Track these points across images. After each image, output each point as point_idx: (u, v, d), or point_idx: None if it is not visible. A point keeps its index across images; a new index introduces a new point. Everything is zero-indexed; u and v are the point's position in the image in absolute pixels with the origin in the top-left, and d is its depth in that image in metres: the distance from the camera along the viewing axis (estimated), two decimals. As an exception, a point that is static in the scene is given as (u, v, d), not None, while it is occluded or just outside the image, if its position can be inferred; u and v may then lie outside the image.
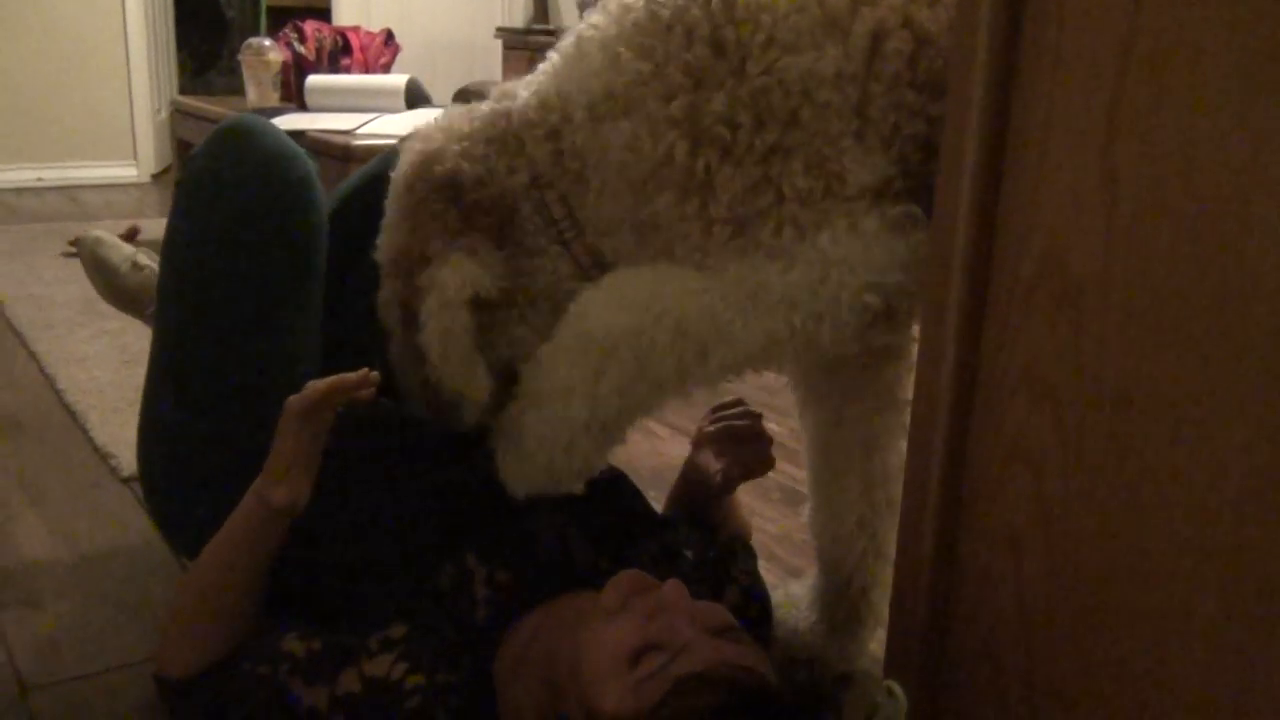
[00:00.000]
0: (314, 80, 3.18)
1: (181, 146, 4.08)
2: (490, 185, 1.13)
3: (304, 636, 1.07)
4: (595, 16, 1.11)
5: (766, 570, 1.55)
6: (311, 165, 1.41)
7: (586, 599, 1.10)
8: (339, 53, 3.45)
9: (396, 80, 3.13)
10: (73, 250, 3.44)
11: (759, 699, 0.93)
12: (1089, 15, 0.69)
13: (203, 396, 1.34)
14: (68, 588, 1.55)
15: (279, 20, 4.20)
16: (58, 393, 2.29)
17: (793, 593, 1.48)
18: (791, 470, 1.47)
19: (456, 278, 1.08)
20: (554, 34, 4.75)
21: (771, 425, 1.40)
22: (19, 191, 4.60)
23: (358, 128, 2.80)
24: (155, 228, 1.47)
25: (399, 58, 3.71)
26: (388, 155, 1.48)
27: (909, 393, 1.27)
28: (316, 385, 1.12)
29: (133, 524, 1.73)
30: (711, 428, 1.41)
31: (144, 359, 1.44)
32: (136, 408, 1.45)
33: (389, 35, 3.67)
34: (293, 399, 1.12)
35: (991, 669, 0.83)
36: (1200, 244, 0.64)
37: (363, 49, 3.51)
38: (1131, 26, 0.66)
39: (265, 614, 1.18)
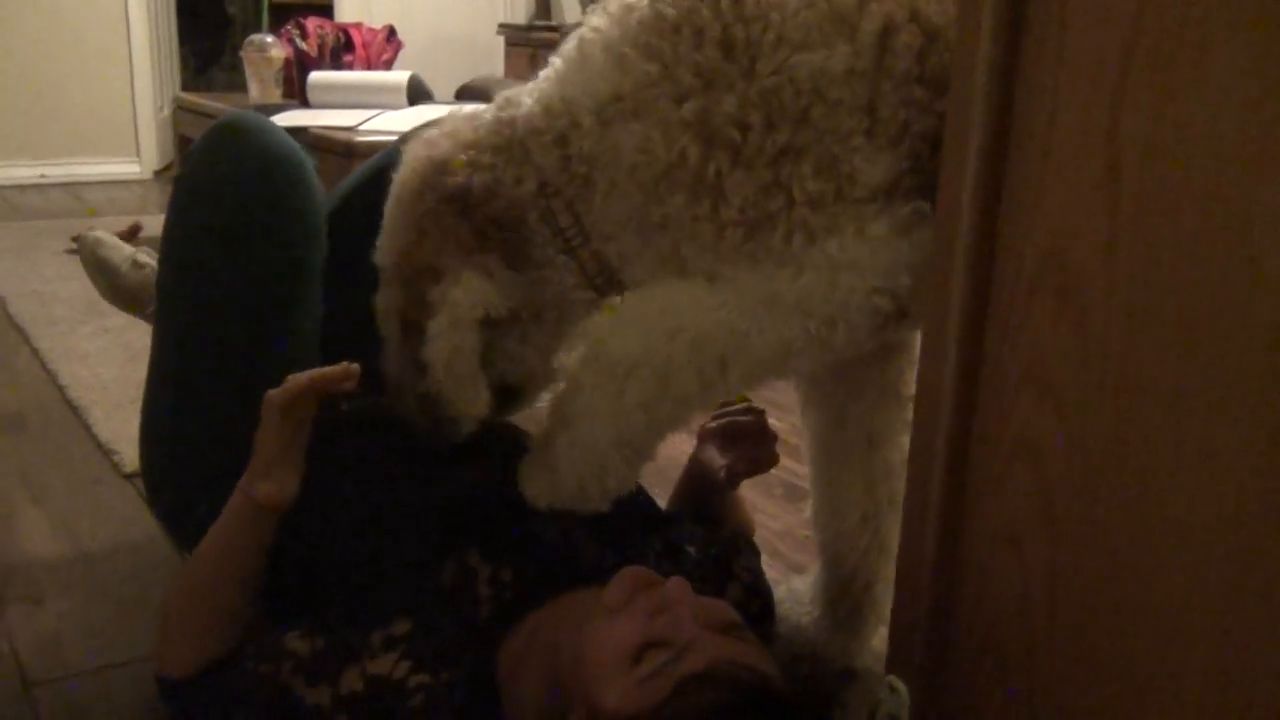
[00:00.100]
0: (316, 77, 3.18)
1: (184, 143, 4.08)
2: (500, 197, 1.12)
3: (306, 635, 1.07)
4: (595, 19, 1.10)
5: (769, 566, 1.55)
6: (309, 161, 1.41)
7: (589, 596, 1.10)
8: (341, 49, 3.45)
9: (398, 77, 3.13)
10: (75, 247, 3.44)
11: (763, 697, 0.93)
12: (1092, 12, 0.69)
13: (203, 394, 1.35)
14: (70, 584, 1.56)
15: (281, 17, 4.21)
16: (60, 389, 2.29)
17: (795, 589, 1.48)
18: (794, 466, 1.47)
19: (469, 297, 1.09)
20: (556, 30, 4.75)
21: (773, 421, 1.40)
22: (22, 188, 4.60)
23: (360, 124, 2.80)
24: (158, 224, 1.47)
25: (401, 54, 3.70)
26: (390, 151, 1.48)
27: (911, 388, 1.27)
28: (296, 379, 1.12)
29: (135, 520, 1.74)
30: (715, 424, 1.41)
31: (146, 356, 1.45)
32: (138, 404, 1.45)
33: (391, 31, 3.67)
34: (272, 393, 1.12)
35: (994, 665, 0.83)
36: (1204, 240, 0.64)
37: (365, 45, 3.51)
38: (1135, 23, 0.66)
39: (267, 612, 1.19)
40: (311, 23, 3.46)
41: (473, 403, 1.14)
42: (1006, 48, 0.74)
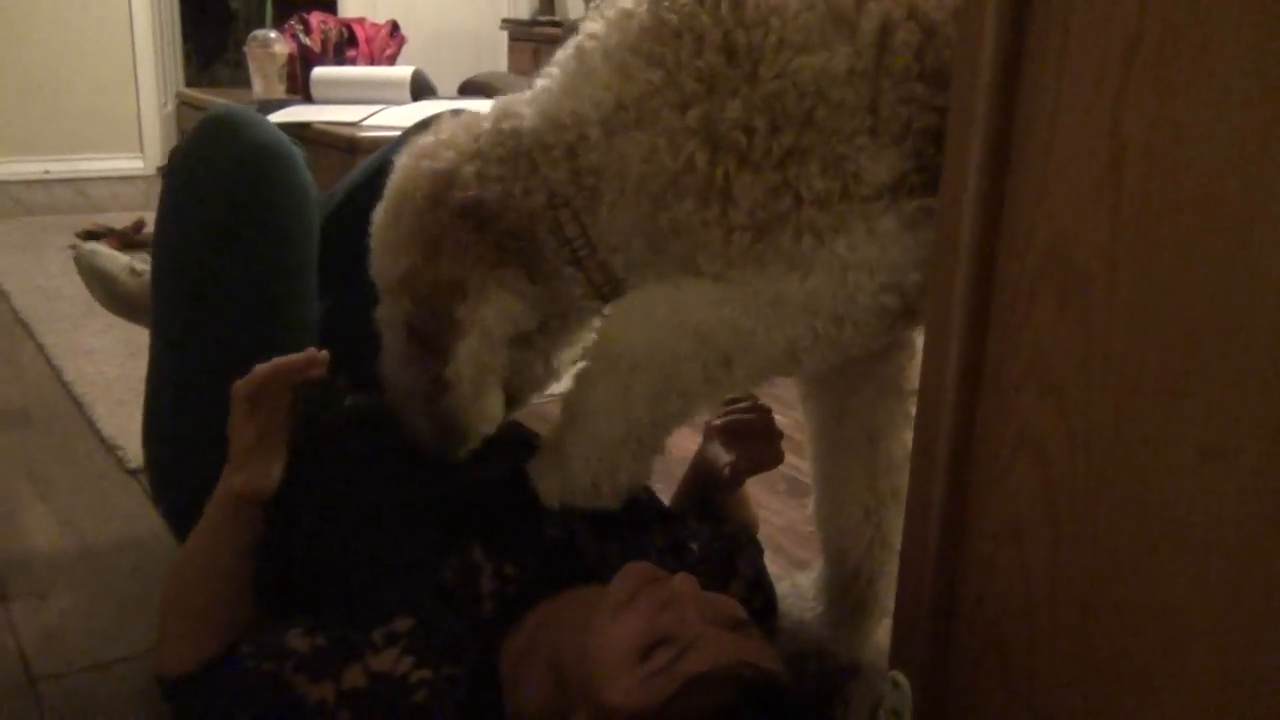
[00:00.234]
0: (319, 72, 3.18)
1: (187, 139, 4.08)
2: (512, 210, 1.12)
3: (308, 632, 1.07)
4: (592, 25, 1.10)
5: (772, 562, 1.55)
6: (299, 154, 1.40)
7: (593, 592, 1.10)
8: (344, 45, 3.45)
9: (402, 72, 3.13)
10: (80, 242, 3.46)
11: (768, 693, 0.93)
12: (1094, 11, 0.69)
13: (201, 391, 1.35)
14: (75, 579, 1.56)
15: (284, 12, 4.20)
16: (65, 385, 2.29)
17: (798, 584, 1.48)
18: (797, 462, 1.47)
19: (500, 315, 1.09)
20: (559, 25, 4.74)
21: (778, 417, 1.41)
22: (27, 184, 4.61)
23: (363, 120, 2.80)
24: (161, 220, 1.47)
25: (404, 49, 3.70)
26: (392, 148, 1.48)
27: (912, 382, 1.27)
28: (260, 368, 1.12)
29: (139, 516, 1.74)
30: (721, 421, 1.41)
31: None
32: (142, 400, 1.46)
33: (394, 27, 3.66)
34: (238, 384, 1.12)
35: (997, 660, 0.83)
36: (1205, 238, 0.64)
37: (368, 41, 3.51)
38: (1137, 22, 0.66)
39: (269, 610, 1.19)
40: (315, 18, 3.46)
41: (490, 418, 1.15)
42: (1009, 46, 0.74)
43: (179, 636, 1.11)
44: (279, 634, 1.08)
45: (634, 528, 1.25)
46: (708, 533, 1.29)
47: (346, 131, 2.70)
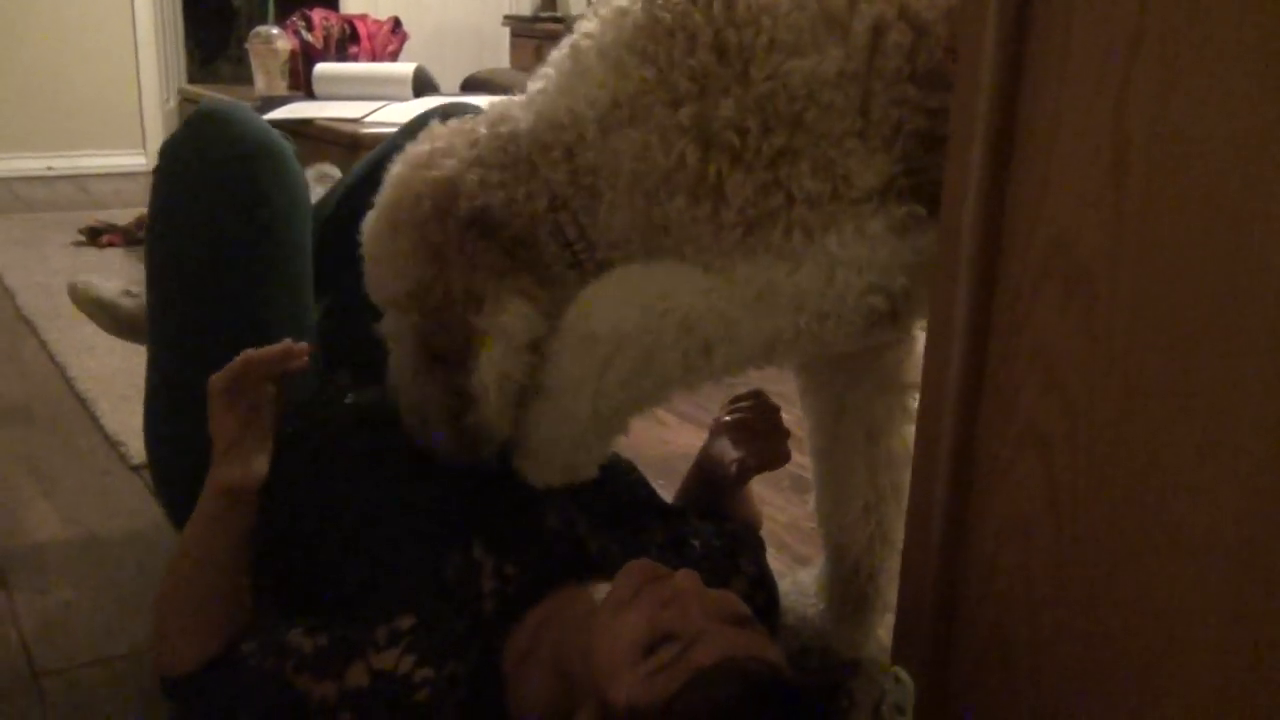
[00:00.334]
0: (322, 68, 3.18)
1: (190, 135, 4.07)
2: (516, 215, 1.12)
3: (310, 630, 1.07)
4: (587, 24, 1.09)
5: (776, 559, 1.55)
6: (288, 147, 1.40)
7: (596, 589, 1.10)
8: (346, 41, 3.45)
9: (404, 68, 3.13)
10: (83, 239, 3.46)
11: (772, 688, 0.93)
12: (1098, 5, 0.69)
13: (197, 388, 1.34)
14: (78, 574, 1.56)
15: (287, 8, 4.20)
16: (68, 381, 2.30)
17: (800, 581, 1.48)
18: (800, 459, 1.47)
19: (518, 323, 1.08)
20: (561, 21, 4.74)
21: (783, 415, 1.40)
22: (29, 180, 4.61)
23: (365, 116, 2.80)
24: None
25: (406, 46, 3.70)
26: (392, 144, 1.47)
27: (911, 377, 1.27)
28: (233, 362, 1.11)
29: (143, 511, 1.74)
30: (730, 418, 1.41)
31: (152, 349, 1.45)
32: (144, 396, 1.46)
33: (396, 23, 3.66)
34: (213, 377, 1.12)
35: (999, 657, 0.83)
36: (1209, 231, 0.64)
37: (370, 37, 3.51)
38: (1140, 17, 0.66)
39: (271, 608, 1.18)
40: (317, 14, 3.46)
41: (510, 421, 1.15)
42: (1012, 41, 0.74)
43: (178, 635, 1.11)
44: (281, 632, 1.08)
45: (635, 525, 1.25)
46: (709, 530, 1.29)
47: (348, 128, 2.70)
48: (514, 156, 1.12)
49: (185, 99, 4.25)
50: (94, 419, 2.10)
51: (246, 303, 1.36)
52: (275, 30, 3.41)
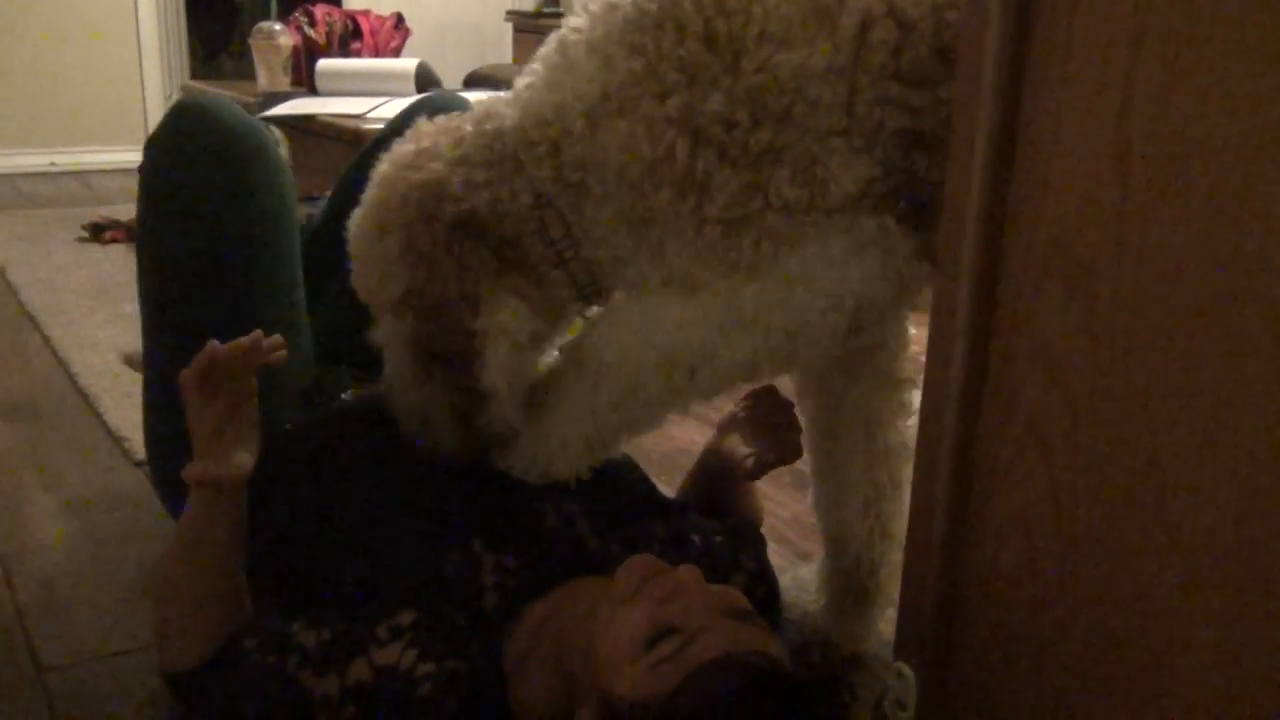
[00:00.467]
0: (324, 64, 3.18)
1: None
2: (503, 216, 1.12)
3: (312, 626, 1.07)
4: (575, 19, 1.09)
5: (778, 554, 1.55)
6: (271, 137, 1.39)
7: (596, 584, 1.10)
8: (349, 36, 3.44)
9: (407, 64, 3.13)
10: (86, 235, 3.46)
11: (774, 682, 0.93)
12: (1099, 3, 0.69)
13: None
14: (82, 570, 1.57)
15: (289, 4, 4.20)
16: (71, 377, 2.30)
17: (800, 577, 1.48)
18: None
19: (516, 322, 1.09)
20: (563, 17, 4.73)
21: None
22: (32, 176, 4.62)
23: (368, 111, 2.80)
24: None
25: (409, 41, 3.70)
26: (387, 134, 1.47)
27: (906, 371, 1.28)
28: (198, 355, 1.11)
29: (147, 507, 1.74)
30: (744, 414, 1.41)
31: (157, 344, 1.45)
32: (146, 393, 1.46)
33: (399, 19, 3.66)
34: (183, 372, 1.12)
35: (1001, 653, 0.83)
36: (1212, 228, 0.64)
37: (373, 33, 3.51)
38: (1143, 12, 0.66)
39: (271, 606, 1.18)
40: (320, 10, 3.46)
41: (522, 420, 1.16)
42: (1015, 36, 0.74)
43: (179, 633, 1.11)
44: (282, 628, 1.08)
45: (635, 520, 1.25)
46: (710, 525, 1.30)
47: (351, 123, 2.70)
48: (499, 154, 1.12)
49: (188, 95, 4.24)
50: (97, 415, 2.11)
51: (236, 296, 1.35)
52: (278, 26, 3.40)
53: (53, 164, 4.74)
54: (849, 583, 1.37)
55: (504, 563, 1.14)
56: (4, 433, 2.03)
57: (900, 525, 1.32)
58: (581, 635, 1.00)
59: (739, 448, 1.39)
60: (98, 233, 3.46)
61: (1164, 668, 0.71)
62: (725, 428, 1.43)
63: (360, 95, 2.99)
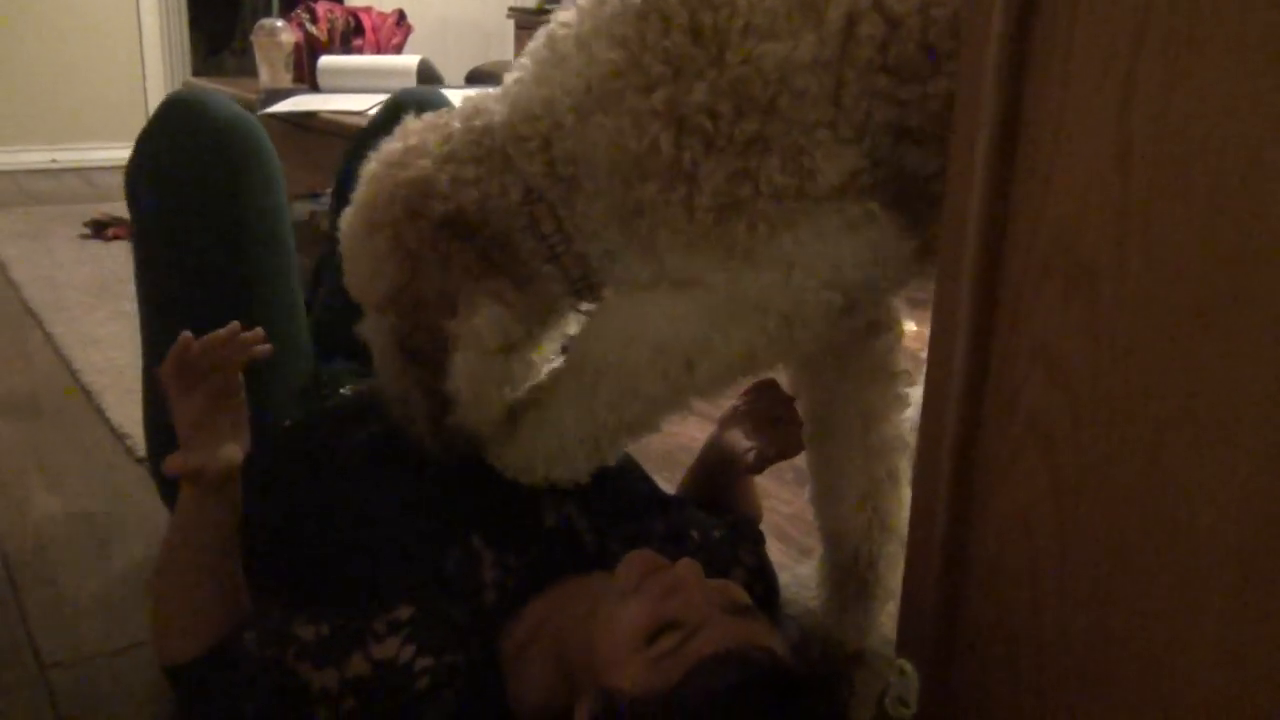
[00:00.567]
0: (326, 61, 3.17)
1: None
2: (492, 213, 1.11)
3: (311, 620, 1.07)
4: (565, 14, 1.09)
5: (780, 550, 1.56)
6: (261, 128, 1.39)
7: (596, 580, 1.10)
8: (351, 33, 3.44)
9: (408, 61, 3.12)
10: (88, 232, 3.46)
11: (775, 677, 0.93)
12: (1101, 1, 0.69)
13: None
14: (85, 567, 1.57)
15: (291, 1, 4.20)
16: (74, 374, 2.30)
17: (800, 574, 1.48)
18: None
19: (491, 328, 1.08)
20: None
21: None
22: (34, 173, 4.62)
23: (370, 108, 2.80)
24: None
25: (411, 38, 3.70)
26: (382, 122, 1.47)
27: (901, 364, 1.28)
28: (173, 347, 1.11)
29: (149, 504, 1.74)
30: (746, 408, 1.41)
31: (159, 341, 1.45)
32: (149, 390, 1.46)
33: (401, 16, 3.66)
34: (161, 366, 1.12)
35: (1003, 651, 0.83)
36: (1214, 226, 0.64)
37: (374, 30, 3.51)
38: (1146, 7, 0.66)
39: (271, 603, 1.19)
40: (321, 7, 3.45)
41: (494, 423, 1.16)
42: (1017, 31, 0.73)
43: (179, 631, 1.11)
44: (281, 622, 1.08)
45: (634, 516, 1.25)
46: (709, 521, 1.30)
47: (353, 120, 2.70)
48: (487, 150, 1.12)
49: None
50: (99, 411, 2.11)
51: (228, 288, 1.35)
52: (280, 23, 3.40)
53: (54, 161, 4.74)
54: (848, 576, 1.37)
55: (504, 560, 1.14)
56: (5, 429, 2.03)
57: (898, 518, 1.32)
58: (581, 631, 1.01)
59: (740, 441, 1.39)
60: (100, 230, 3.46)
61: (1164, 667, 0.71)
62: (726, 422, 1.43)
63: (362, 92, 2.99)
